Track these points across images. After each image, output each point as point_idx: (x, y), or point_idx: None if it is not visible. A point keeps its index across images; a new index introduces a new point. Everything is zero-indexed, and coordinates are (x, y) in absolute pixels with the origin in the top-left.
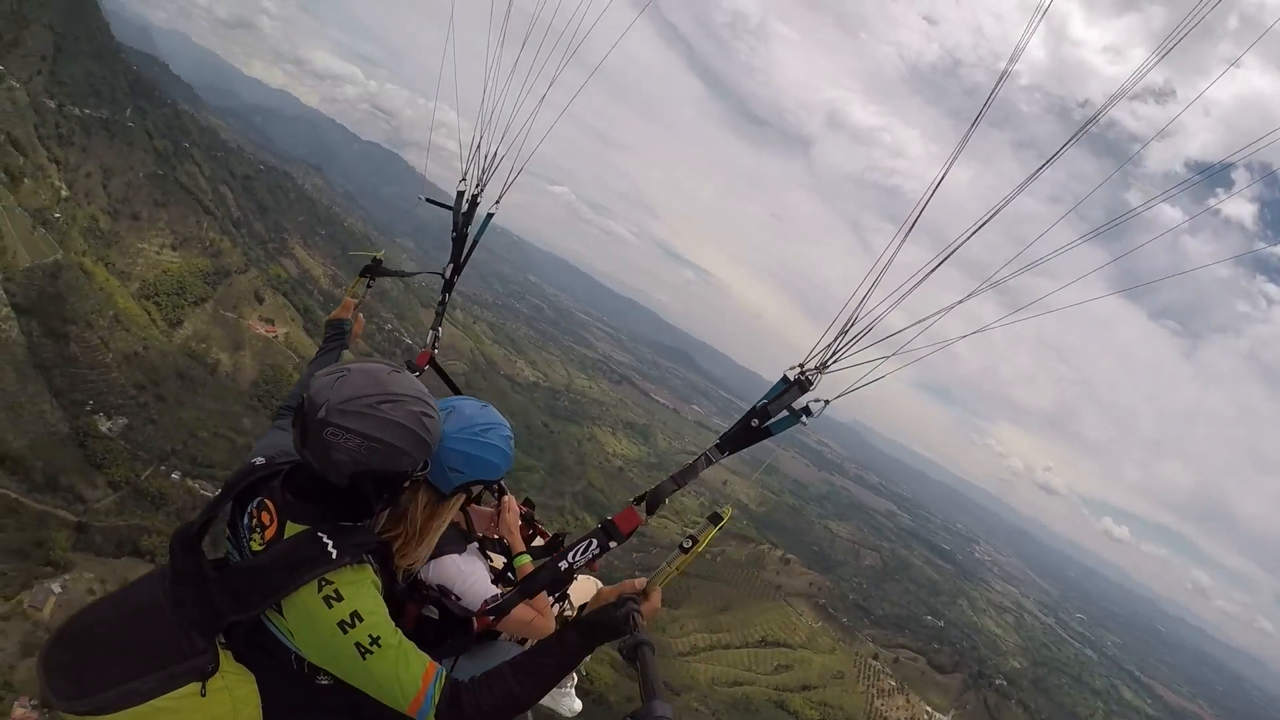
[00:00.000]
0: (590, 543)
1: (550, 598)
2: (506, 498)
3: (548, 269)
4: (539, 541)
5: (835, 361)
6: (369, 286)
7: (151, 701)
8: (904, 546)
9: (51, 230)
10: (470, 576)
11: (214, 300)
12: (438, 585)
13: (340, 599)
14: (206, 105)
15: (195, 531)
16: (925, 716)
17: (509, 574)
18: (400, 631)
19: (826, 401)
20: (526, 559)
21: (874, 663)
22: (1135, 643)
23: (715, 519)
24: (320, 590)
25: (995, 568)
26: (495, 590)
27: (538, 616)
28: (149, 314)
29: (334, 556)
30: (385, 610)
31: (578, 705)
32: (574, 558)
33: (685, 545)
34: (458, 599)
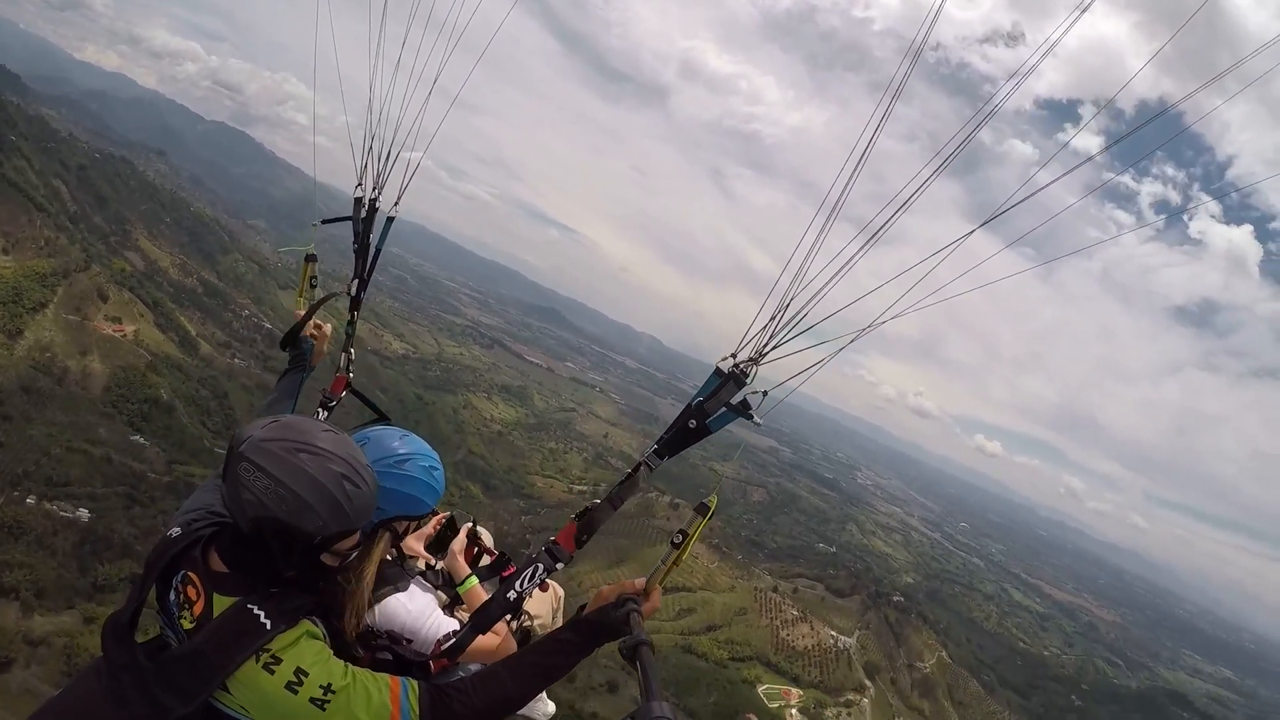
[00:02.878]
0: (537, 568)
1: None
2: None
3: (409, 239)
4: (485, 560)
5: (771, 350)
6: (313, 285)
7: None
8: (789, 480)
9: None
10: (419, 616)
11: (55, 304)
12: (386, 631)
13: (279, 661)
14: (37, 95)
15: (126, 621)
16: (831, 640)
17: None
18: (349, 666)
19: (765, 393)
20: (473, 581)
21: (774, 595)
22: (1018, 548)
23: (703, 510)
24: (259, 660)
25: (879, 491)
26: (450, 626)
27: (495, 641)
28: None
29: (267, 627)
30: (327, 653)
31: (551, 708)
32: (521, 585)
33: (676, 541)
34: (409, 642)
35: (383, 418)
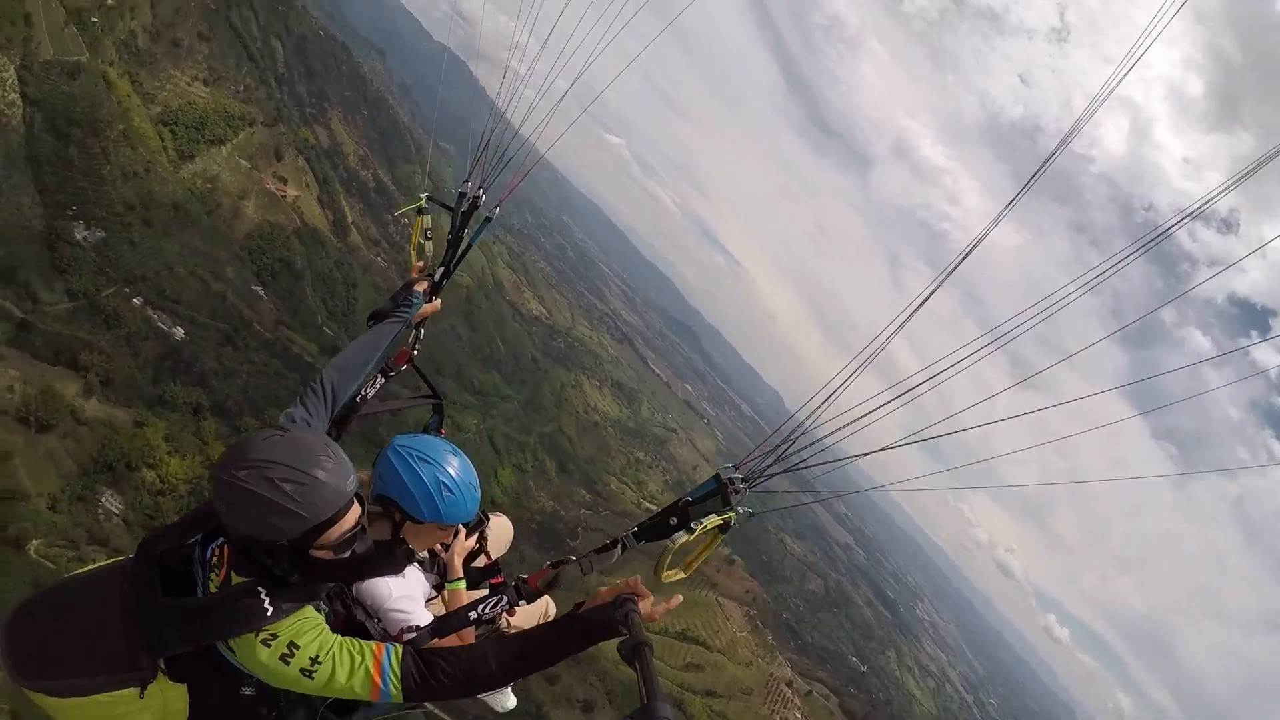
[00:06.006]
0: (501, 599)
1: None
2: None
3: (583, 213)
4: (482, 560)
5: (762, 480)
6: (427, 238)
7: (95, 696)
8: (850, 582)
9: (84, 32)
10: (398, 605)
11: (232, 145)
12: (360, 604)
13: (275, 637)
14: None
15: (158, 555)
16: None
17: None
18: (340, 638)
19: (752, 514)
20: (460, 585)
21: (786, 689)
22: None
23: (726, 527)
24: (258, 635)
25: (932, 629)
26: (418, 622)
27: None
28: (161, 139)
29: (269, 614)
30: (322, 628)
31: (511, 702)
32: (483, 610)
33: (691, 527)
34: (377, 622)
35: (435, 394)
